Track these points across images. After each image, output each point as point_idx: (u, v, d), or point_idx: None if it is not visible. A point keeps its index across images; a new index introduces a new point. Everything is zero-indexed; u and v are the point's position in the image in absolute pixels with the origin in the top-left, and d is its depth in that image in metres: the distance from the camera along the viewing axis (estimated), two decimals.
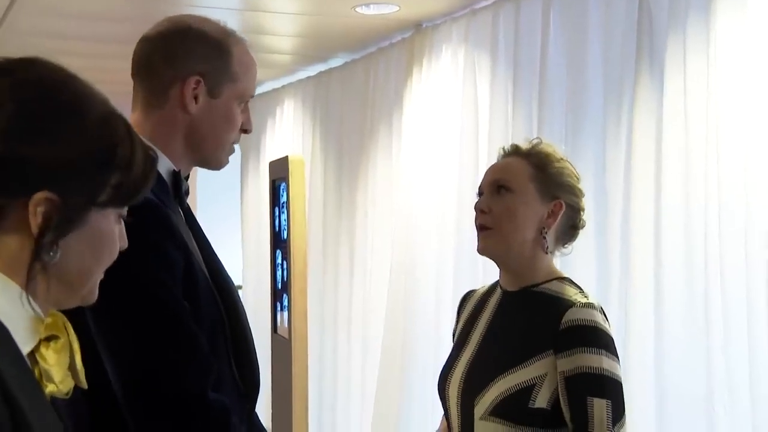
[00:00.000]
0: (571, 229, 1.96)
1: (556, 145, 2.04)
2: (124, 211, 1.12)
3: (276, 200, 4.44)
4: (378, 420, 4.46)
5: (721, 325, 2.70)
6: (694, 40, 2.81)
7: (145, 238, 1.47)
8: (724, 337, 2.69)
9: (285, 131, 6.06)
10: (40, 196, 1.01)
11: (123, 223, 1.14)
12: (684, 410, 2.80)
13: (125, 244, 1.14)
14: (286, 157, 4.20)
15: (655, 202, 2.94)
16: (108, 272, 1.13)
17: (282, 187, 4.27)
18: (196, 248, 1.67)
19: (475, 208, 1.94)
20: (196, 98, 1.68)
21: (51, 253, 1.03)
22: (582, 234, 2.01)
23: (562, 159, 1.96)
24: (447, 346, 2.08)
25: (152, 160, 1.14)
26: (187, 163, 1.75)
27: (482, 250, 1.94)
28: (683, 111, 2.84)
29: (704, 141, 2.77)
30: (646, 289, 2.94)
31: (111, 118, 1.09)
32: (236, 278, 7.91)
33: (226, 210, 8.29)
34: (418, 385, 4.07)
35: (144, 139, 1.65)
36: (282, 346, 4.21)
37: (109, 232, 1.09)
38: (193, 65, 1.68)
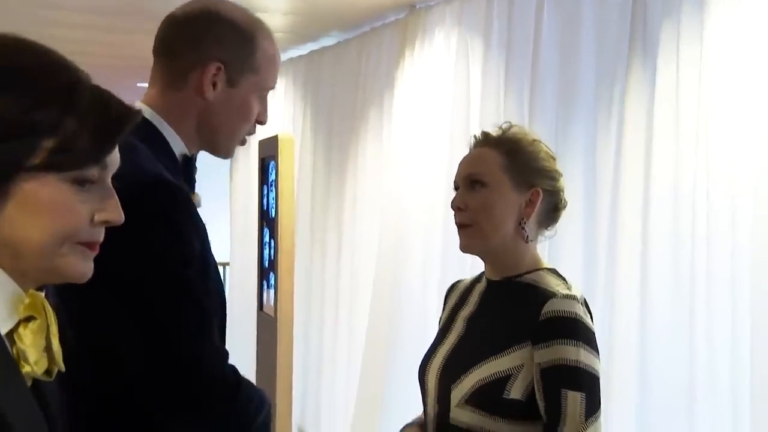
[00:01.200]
0: (552, 212, 1.92)
1: (528, 128, 2.01)
2: (87, 174, 1.04)
3: (265, 178, 4.44)
4: (362, 399, 4.47)
5: (705, 315, 2.72)
6: (688, 30, 2.81)
7: (168, 219, 1.47)
8: (707, 326, 2.71)
9: (276, 110, 6.04)
10: None
11: (114, 193, 1.07)
12: (665, 397, 2.82)
13: (114, 216, 1.07)
14: (276, 135, 4.19)
15: (643, 192, 2.94)
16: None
17: (271, 166, 4.26)
18: None
19: (451, 206, 1.92)
20: (214, 85, 1.66)
21: None
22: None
23: (534, 141, 1.92)
24: (432, 328, 2.08)
25: (115, 121, 1.05)
26: (196, 146, 1.73)
27: (464, 248, 1.92)
28: (674, 101, 2.85)
29: (695, 131, 2.78)
30: (632, 277, 2.95)
31: (36, 78, 1.02)
32: (224, 255, 7.90)
33: (215, 186, 8.26)
34: (403, 365, 4.08)
35: (158, 116, 1.65)
36: (267, 324, 4.22)
37: (55, 200, 1.02)
38: (215, 52, 1.66)
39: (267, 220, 4.37)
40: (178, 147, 1.68)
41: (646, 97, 2.97)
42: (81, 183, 1.04)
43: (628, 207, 3.00)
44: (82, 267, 1.07)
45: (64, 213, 1.03)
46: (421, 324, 3.96)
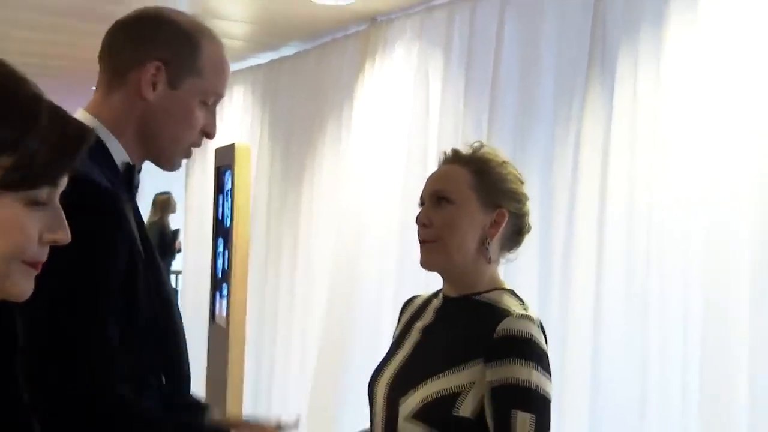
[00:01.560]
0: (515, 235, 1.91)
1: (498, 148, 2.01)
2: (40, 194, 1.02)
3: (220, 187, 4.40)
4: (313, 413, 4.44)
5: (658, 334, 2.74)
6: (646, 49, 2.84)
7: (93, 224, 1.42)
8: (660, 346, 2.73)
9: (233, 119, 6.01)
10: None
11: (62, 213, 1.05)
12: (617, 417, 2.83)
13: (62, 236, 1.05)
14: (233, 144, 4.17)
15: (599, 209, 2.96)
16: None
17: (227, 175, 4.23)
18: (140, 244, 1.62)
19: (416, 221, 1.91)
20: (154, 85, 1.63)
21: None
22: (526, 237, 1.98)
23: (504, 163, 1.92)
24: (385, 342, 2.06)
25: (73, 141, 1.04)
26: (140, 155, 1.68)
27: (425, 264, 1.91)
28: (631, 119, 2.88)
29: (651, 149, 2.80)
30: (587, 294, 2.97)
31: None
32: (177, 263, 7.81)
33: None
34: (355, 378, 4.05)
35: (99, 123, 1.61)
36: (219, 334, 4.17)
37: (7, 219, 1.00)
38: (156, 51, 1.63)
39: (221, 230, 4.33)
40: (120, 155, 1.64)
41: (604, 115, 2.99)
42: (33, 202, 1.02)
43: (583, 221, 3.01)
44: (23, 286, 1.04)
45: (15, 232, 1.01)
46: (374, 338, 3.94)
